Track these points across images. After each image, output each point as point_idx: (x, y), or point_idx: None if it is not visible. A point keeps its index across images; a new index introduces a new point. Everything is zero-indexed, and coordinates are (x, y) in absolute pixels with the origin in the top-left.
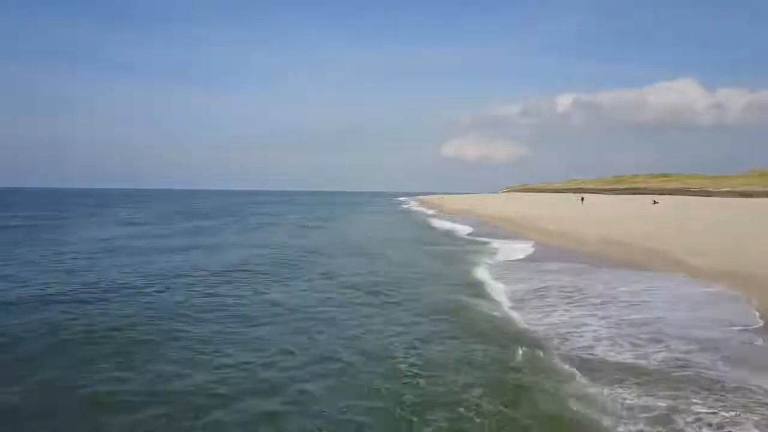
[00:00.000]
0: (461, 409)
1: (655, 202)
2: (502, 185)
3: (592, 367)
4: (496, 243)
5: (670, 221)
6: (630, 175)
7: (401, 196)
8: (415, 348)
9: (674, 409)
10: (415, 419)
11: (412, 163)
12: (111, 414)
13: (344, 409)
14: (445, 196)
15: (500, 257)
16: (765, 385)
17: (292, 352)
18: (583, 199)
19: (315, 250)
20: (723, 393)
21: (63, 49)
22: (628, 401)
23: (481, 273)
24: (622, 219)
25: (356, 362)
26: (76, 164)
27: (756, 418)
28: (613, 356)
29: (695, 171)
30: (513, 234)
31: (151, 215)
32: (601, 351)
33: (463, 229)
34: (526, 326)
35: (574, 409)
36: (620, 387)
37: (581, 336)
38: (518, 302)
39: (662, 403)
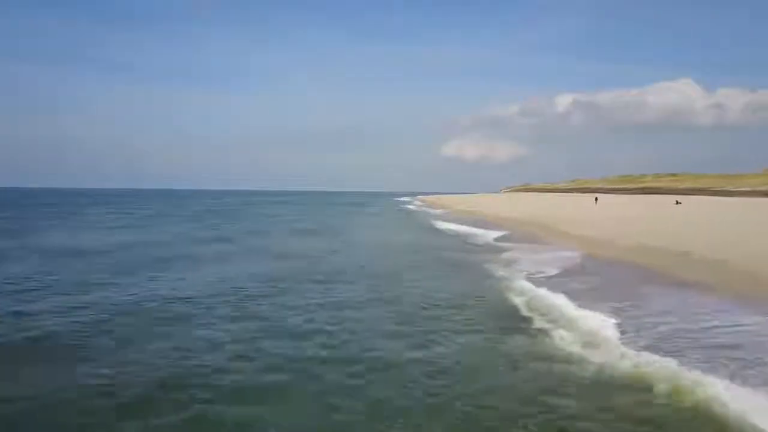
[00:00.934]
0: None
1: (677, 203)
2: (501, 185)
3: None
4: (527, 251)
5: (724, 227)
6: (638, 174)
7: (401, 196)
8: None
9: None
10: None
11: (412, 163)
12: None
13: None
14: (448, 196)
15: (548, 270)
16: None
17: None
18: (597, 199)
19: (310, 272)
20: None
21: (63, 49)
22: None
23: (554, 300)
24: (655, 222)
25: None
26: (76, 164)
27: None
28: None
29: (694, 171)
30: (541, 239)
31: (131, 217)
32: None
33: (484, 235)
34: None
35: None
36: None
37: None
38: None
39: None
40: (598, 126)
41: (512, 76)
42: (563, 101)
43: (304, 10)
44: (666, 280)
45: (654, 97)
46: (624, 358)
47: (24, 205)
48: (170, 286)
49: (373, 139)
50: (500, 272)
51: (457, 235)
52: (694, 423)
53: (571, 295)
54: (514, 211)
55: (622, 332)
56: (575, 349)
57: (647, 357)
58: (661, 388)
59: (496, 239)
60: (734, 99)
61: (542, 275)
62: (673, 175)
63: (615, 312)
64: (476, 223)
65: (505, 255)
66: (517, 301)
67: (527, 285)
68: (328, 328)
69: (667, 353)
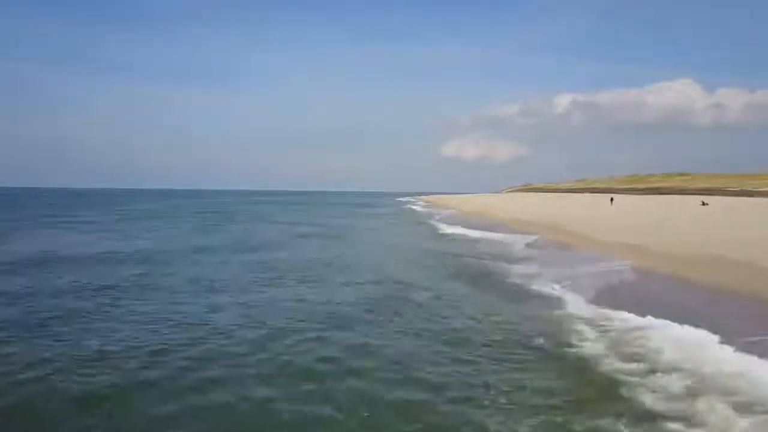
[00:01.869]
0: None
1: (704, 204)
2: (501, 185)
3: None
4: (573, 263)
5: None
6: (645, 174)
7: (401, 196)
8: None
9: None
10: None
11: (412, 163)
12: None
13: None
14: (451, 197)
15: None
16: None
17: None
18: (612, 200)
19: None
20: None
21: (63, 49)
22: None
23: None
24: (698, 225)
25: None
26: (76, 164)
27: None
28: None
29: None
30: (577, 247)
31: (108, 221)
32: None
33: (512, 242)
34: None
35: None
36: None
37: None
38: None
39: None
40: (598, 126)
41: (512, 76)
42: (563, 101)
43: (304, 10)
44: None
45: (654, 97)
46: None
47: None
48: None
49: (373, 139)
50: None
51: (482, 244)
52: None
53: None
54: (528, 213)
55: None
56: None
57: None
58: None
59: (528, 245)
60: (734, 99)
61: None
62: (683, 174)
63: None
64: (495, 229)
65: (551, 271)
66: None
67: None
68: None
69: None
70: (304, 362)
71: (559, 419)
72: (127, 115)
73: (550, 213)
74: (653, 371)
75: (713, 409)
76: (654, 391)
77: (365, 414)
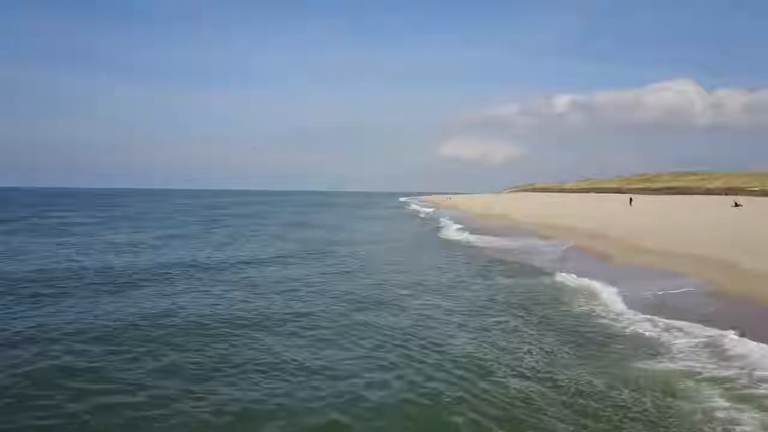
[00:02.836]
0: None
1: (737, 205)
2: (500, 185)
3: None
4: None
5: None
6: (654, 173)
7: (401, 196)
8: None
9: None
10: None
11: (411, 163)
12: None
13: None
14: (456, 197)
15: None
16: None
17: None
18: (631, 200)
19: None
20: None
21: (63, 49)
22: None
23: None
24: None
25: None
26: (75, 164)
27: None
28: None
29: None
30: (623, 260)
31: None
32: None
33: (552, 251)
34: None
35: None
36: None
37: None
38: None
39: None
40: (597, 126)
41: (511, 76)
42: (562, 101)
43: (304, 10)
44: None
45: (653, 98)
46: None
47: None
48: None
49: (373, 139)
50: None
51: (521, 256)
52: None
53: None
54: (547, 215)
55: None
56: None
57: None
58: None
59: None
60: (733, 99)
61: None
62: (695, 173)
63: None
64: (519, 234)
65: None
66: None
67: None
68: None
69: None
70: None
71: None
72: (127, 115)
73: (573, 214)
74: None
75: None
76: None
77: None
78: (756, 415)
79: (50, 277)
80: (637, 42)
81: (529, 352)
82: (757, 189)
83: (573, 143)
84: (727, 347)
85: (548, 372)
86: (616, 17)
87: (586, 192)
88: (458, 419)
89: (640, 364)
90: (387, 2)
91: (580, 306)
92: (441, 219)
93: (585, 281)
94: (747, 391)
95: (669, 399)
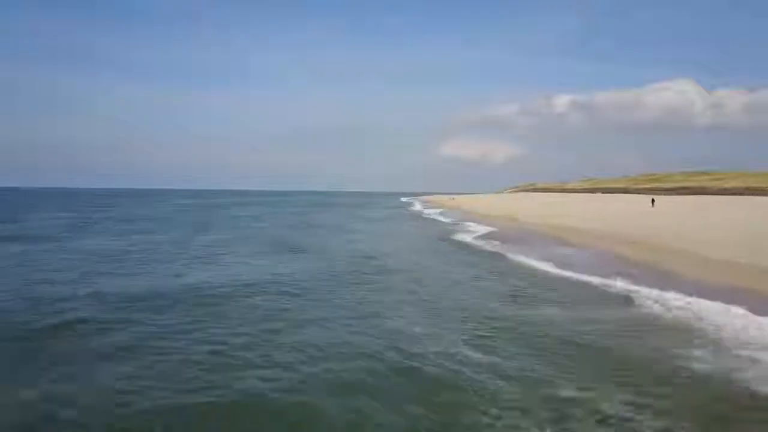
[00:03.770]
0: None
1: None
2: (500, 185)
3: None
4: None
5: None
6: (663, 173)
7: (401, 196)
8: None
9: None
10: None
11: (412, 163)
12: None
13: None
14: (461, 197)
15: None
16: None
17: None
18: (654, 201)
19: None
20: None
21: (63, 49)
22: None
23: None
24: None
25: None
26: (76, 164)
27: None
28: None
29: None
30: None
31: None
32: None
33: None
34: None
35: None
36: None
37: None
38: None
39: None
40: (597, 126)
41: (511, 76)
42: (562, 101)
43: (304, 10)
44: None
45: (653, 98)
46: None
47: None
48: None
49: (373, 139)
50: None
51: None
52: None
53: None
54: (563, 216)
55: None
56: None
57: None
58: None
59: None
60: (733, 99)
61: None
62: (709, 173)
63: None
64: (556, 243)
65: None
66: None
67: None
68: None
69: None
70: None
71: None
72: (127, 115)
73: (599, 219)
74: None
75: None
76: None
77: None
78: None
79: None
80: (637, 42)
81: None
82: None
83: (573, 143)
84: None
85: None
86: (616, 17)
87: (591, 192)
88: None
89: None
90: (387, 2)
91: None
92: (451, 220)
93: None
94: None
95: None
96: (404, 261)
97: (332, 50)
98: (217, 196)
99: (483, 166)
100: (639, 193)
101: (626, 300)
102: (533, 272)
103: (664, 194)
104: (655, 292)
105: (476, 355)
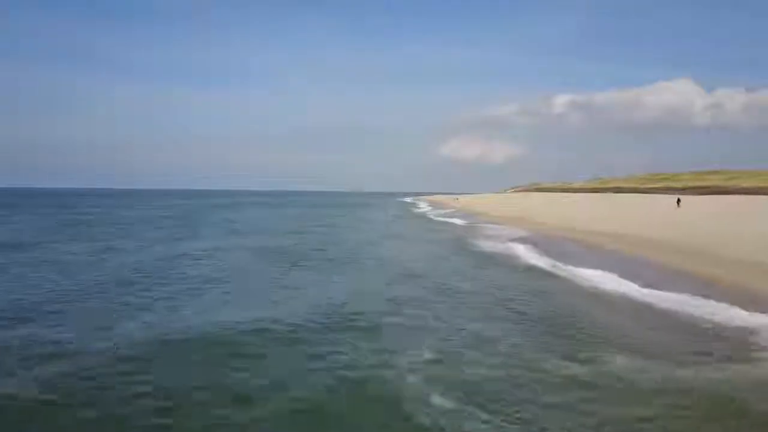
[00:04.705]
0: None
1: None
2: (500, 185)
3: None
4: None
5: None
6: (671, 173)
7: (402, 196)
8: None
9: None
10: None
11: (411, 163)
12: None
13: None
14: (465, 198)
15: None
16: None
17: None
18: (679, 201)
19: None
20: None
21: (63, 49)
22: None
23: None
24: None
25: None
26: (76, 164)
27: None
28: None
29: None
30: None
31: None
32: None
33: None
34: None
35: None
36: None
37: None
38: None
39: None
40: (597, 126)
41: (510, 76)
42: (562, 101)
43: (304, 10)
44: None
45: (652, 98)
46: None
47: None
48: None
49: (373, 139)
50: None
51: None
52: None
53: None
54: (605, 224)
55: None
56: None
57: None
58: None
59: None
60: (732, 99)
61: None
62: (720, 172)
63: None
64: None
65: None
66: None
67: None
68: None
69: None
70: None
71: None
72: (127, 115)
73: (646, 224)
74: None
75: None
76: None
77: None
78: None
79: None
80: (637, 42)
81: None
82: None
83: (573, 143)
84: None
85: None
86: (616, 17)
87: (598, 192)
88: None
89: None
90: (387, 2)
91: None
92: (467, 225)
93: None
94: None
95: None
96: (453, 289)
97: (332, 50)
98: (217, 197)
99: (483, 166)
100: (650, 193)
101: None
102: (632, 304)
103: (680, 194)
104: None
105: None
